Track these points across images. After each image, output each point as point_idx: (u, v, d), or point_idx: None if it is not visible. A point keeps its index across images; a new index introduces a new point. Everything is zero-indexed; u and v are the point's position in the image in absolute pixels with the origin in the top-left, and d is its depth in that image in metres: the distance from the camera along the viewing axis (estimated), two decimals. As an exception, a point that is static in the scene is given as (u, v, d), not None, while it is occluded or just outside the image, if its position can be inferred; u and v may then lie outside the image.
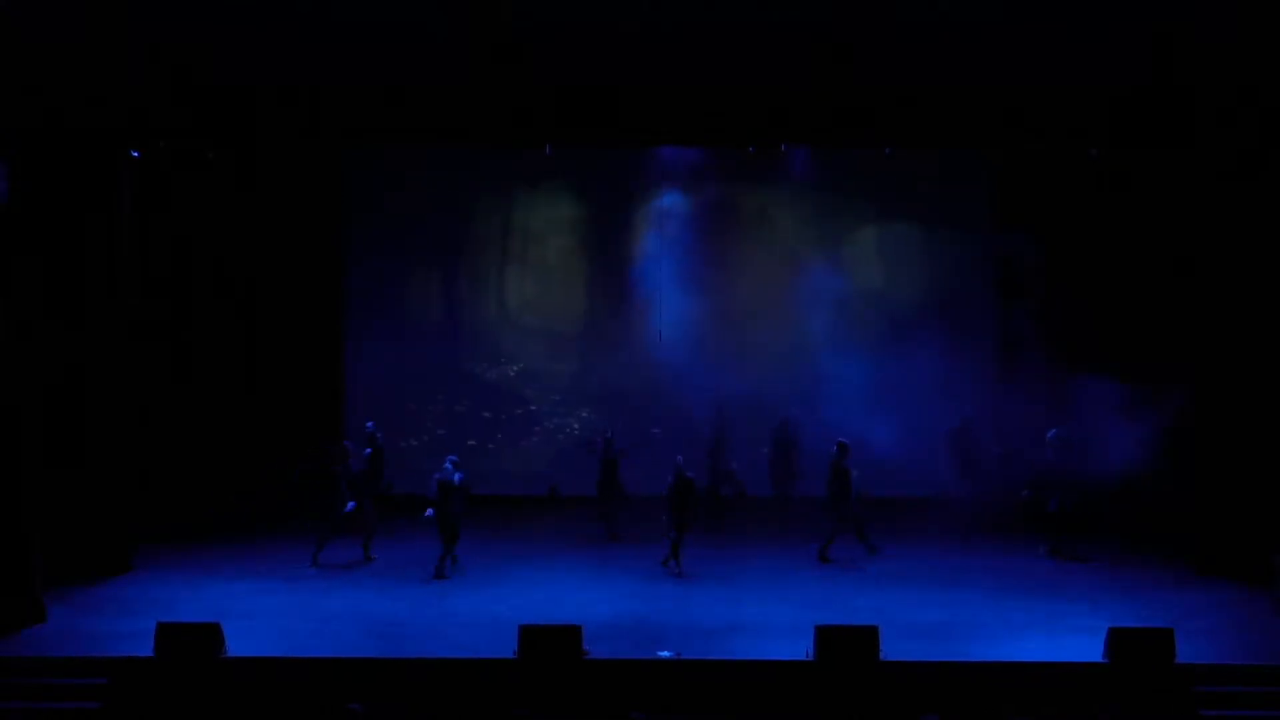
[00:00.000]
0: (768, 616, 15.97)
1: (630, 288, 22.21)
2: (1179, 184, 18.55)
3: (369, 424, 20.43)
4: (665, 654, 14.34)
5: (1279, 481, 17.29)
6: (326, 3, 17.04)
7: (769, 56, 17.28)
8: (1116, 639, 14.10)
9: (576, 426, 22.23)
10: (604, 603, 16.51)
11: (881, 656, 13.99)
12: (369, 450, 19.71)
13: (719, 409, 21.35)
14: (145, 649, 14.14)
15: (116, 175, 17.75)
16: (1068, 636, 15.06)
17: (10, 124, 16.03)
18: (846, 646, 14.02)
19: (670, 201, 21.95)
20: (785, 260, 22.26)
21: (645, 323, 21.82)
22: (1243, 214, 17.42)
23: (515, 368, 22.73)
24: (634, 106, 17.67)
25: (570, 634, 14.14)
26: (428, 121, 17.94)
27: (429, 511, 17.58)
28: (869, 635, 14.07)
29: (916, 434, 19.75)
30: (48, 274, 17.02)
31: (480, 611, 16.20)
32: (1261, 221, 17.34)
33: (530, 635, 14.12)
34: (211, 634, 14.17)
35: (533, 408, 22.62)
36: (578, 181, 22.33)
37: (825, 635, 14.07)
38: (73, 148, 17.19)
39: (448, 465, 17.82)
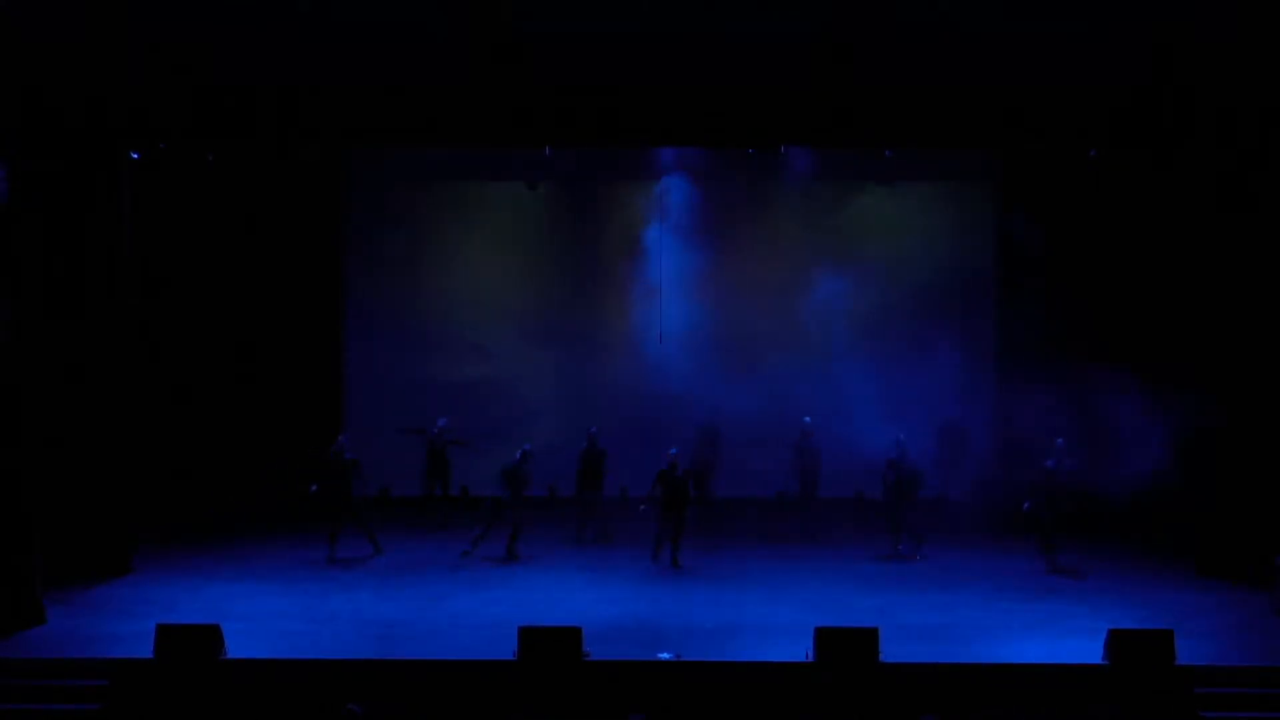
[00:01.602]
0: (767, 618, 15.97)
1: (630, 289, 22.15)
2: (1181, 183, 18.55)
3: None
4: (665, 655, 14.33)
5: (1279, 482, 17.30)
6: (326, 2, 17.03)
7: (769, 57, 17.27)
8: (1116, 640, 14.09)
9: (567, 429, 22.14)
10: (604, 604, 16.52)
11: (881, 658, 13.99)
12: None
13: (710, 416, 21.12)
14: (145, 651, 14.13)
15: (116, 175, 17.73)
16: (1067, 638, 15.06)
17: (10, 124, 16.02)
18: (846, 648, 14.01)
19: (669, 202, 21.87)
20: (785, 260, 22.23)
21: (645, 324, 21.76)
22: (1242, 216, 17.41)
23: (513, 367, 22.69)
24: (634, 106, 17.63)
25: (570, 635, 14.13)
26: (428, 121, 17.89)
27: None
28: (869, 636, 14.06)
29: (917, 435, 19.68)
30: (48, 274, 17.02)
31: (480, 613, 16.20)
32: (1261, 222, 17.33)
33: (530, 637, 14.11)
34: (211, 636, 14.16)
35: (529, 408, 22.57)
36: (577, 182, 22.28)
37: (825, 636, 14.06)
38: (73, 148, 17.18)
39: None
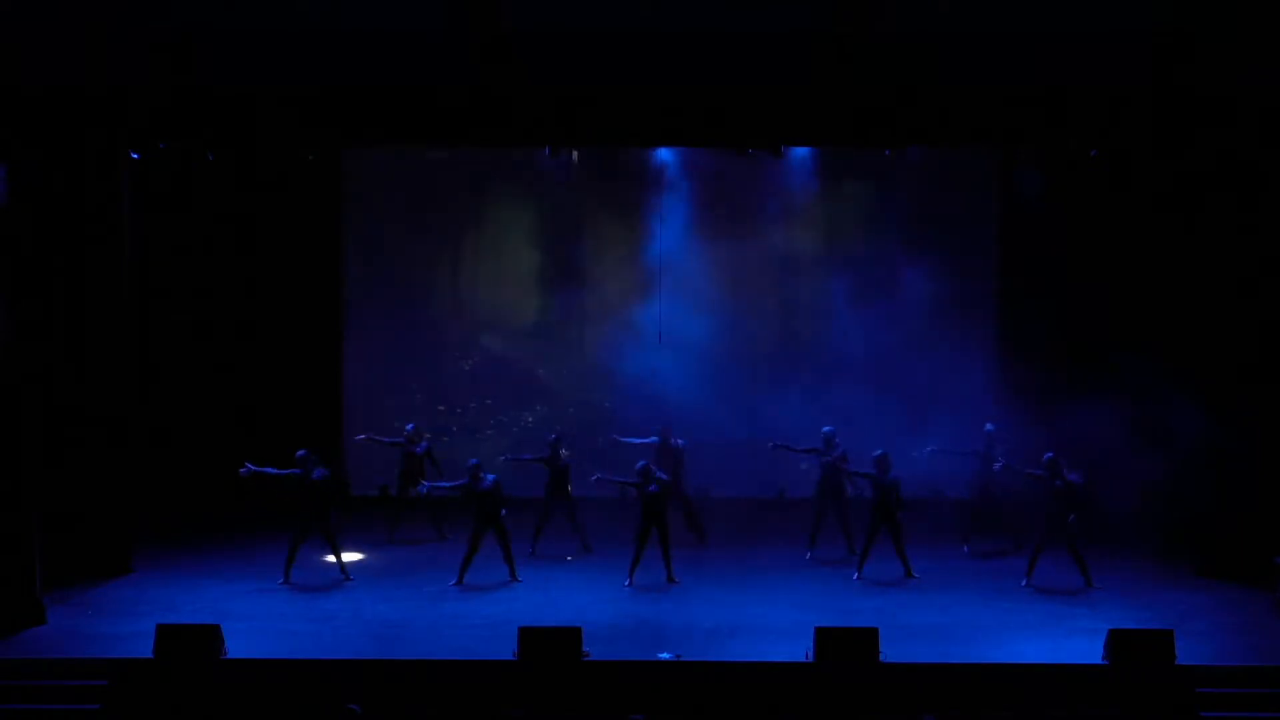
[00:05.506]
0: (767, 618, 15.97)
1: (628, 288, 22.16)
2: (1180, 183, 18.55)
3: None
4: (665, 655, 14.35)
5: (1279, 483, 17.29)
6: (326, 3, 17.03)
7: (769, 56, 17.26)
8: (1116, 640, 14.10)
9: (561, 429, 22.03)
10: (604, 604, 16.52)
11: (881, 658, 14.01)
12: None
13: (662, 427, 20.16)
14: (145, 650, 14.16)
15: (116, 175, 17.73)
16: (1067, 638, 15.07)
17: (10, 124, 16.02)
18: (846, 648, 14.04)
19: (668, 201, 21.89)
20: (786, 260, 22.27)
21: (645, 324, 21.76)
22: (1243, 217, 17.42)
23: (510, 367, 22.68)
24: (634, 106, 17.61)
25: (570, 635, 14.16)
26: (427, 121, 17.89)
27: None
28: (868, 636, 14.08)
29: (917, 435, 19.67)
30: (48, 274, 17.02)
31: (479, 613, 16.21)
32: (1261, 224, 17.33)
33: (530, 637, 14.13)
34: (211, 635, 14.19)
35: (527, 407, 22.57)
36: (577, 181, 22.27)
37: (825, 636, 14.08)
38: (73, 148, 17.17)
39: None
